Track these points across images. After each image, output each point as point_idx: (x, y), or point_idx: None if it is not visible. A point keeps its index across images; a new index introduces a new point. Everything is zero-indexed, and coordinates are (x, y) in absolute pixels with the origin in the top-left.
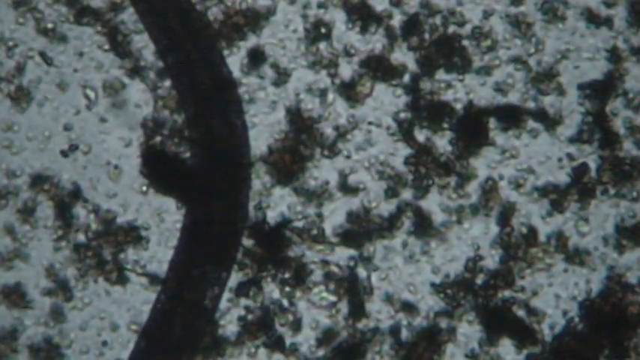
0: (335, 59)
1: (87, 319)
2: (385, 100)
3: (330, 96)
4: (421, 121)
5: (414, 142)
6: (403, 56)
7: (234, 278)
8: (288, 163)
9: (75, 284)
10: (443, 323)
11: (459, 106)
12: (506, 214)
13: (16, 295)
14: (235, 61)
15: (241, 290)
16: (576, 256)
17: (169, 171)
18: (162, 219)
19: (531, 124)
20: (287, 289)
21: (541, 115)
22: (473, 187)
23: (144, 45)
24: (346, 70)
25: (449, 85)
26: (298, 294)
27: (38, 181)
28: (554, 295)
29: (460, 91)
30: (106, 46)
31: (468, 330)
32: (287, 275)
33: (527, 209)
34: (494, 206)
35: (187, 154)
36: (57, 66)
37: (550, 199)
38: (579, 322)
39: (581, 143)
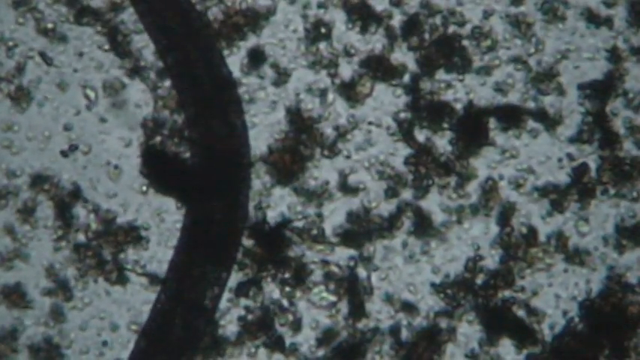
0: (335, 59)
1: (87, 319)
2: (385, 100)
3: (330, 96)
4: (421, 121)
5: (414, 142)
6: (403, 56)
7: (234, 278)
8: (288, 163)
9: (75, 284)
10: (443, 323)
11: (459, 106)
12: (506, 214)
13: (16, 295)
14: (235, 61)
15: (241, 290)
16: (576, 256)
17: (169, 171)
18: (163, 219)
19: (531, 124)
20: (287, 289)
21: (541, 115)
22: (473, 187)
23: (144, 45)
24: (346, 70)
25: (449, 85)
26: (298, 294)
27: (38, 181)
28: (554, 295)
29: (460, 91)
30: (106, 46)
31: (468, 330)
32: (287, 275)
33: (527, 209)
34: (494, 206)
35: (187, 154)
36: (57, 66)
37: (550, 199)
38: (579, 322)
39: (581, 143)
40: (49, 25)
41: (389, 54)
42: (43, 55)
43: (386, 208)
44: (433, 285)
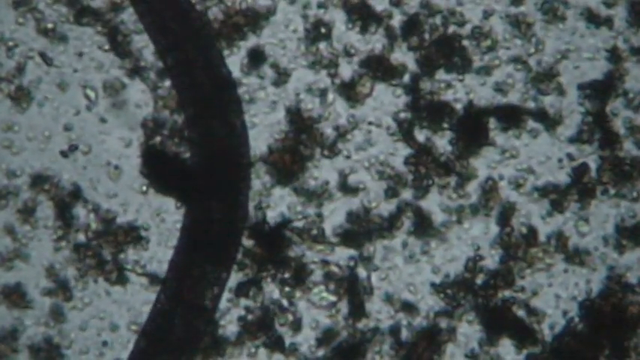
0: (335, 59)
1: (87, 319)
2: (385, 100)
3: (330, 96)
4: (421, 121)
5: (414, 142)
6: (403, 56)
7: (234, 278)
8: (288, 163)
9: (75, 284)
10: (443, 323)
11: (459, 106)
12: (506, 214)
13: (16, 295)
14: (235, 61)
15: (241, 290)
16: (576, 256)
17: (169, 171)
18: (162, 219)
19: (531, 124)
20: (287, 289)
21: (541, 115)
22: (473, 187)
23: (144, 45)
24: (346, 70)
25: (449, 85)
26: (298, 294)
27: (38, 181)
28: (554, 295)
29: (460, 91)
30: (106, 47)
31: (468, 330)
32: (287, 275)
33: (527, 209)
34: (494, 206)
35: (187, 154)
36: (57, 66)
37: (550, 199)
38: (579, 322)
39: (581, 143)
40: (49, 25)
41: (389, 54)
42: (43, 55)
43: (386, 208)
44: (433, 285)
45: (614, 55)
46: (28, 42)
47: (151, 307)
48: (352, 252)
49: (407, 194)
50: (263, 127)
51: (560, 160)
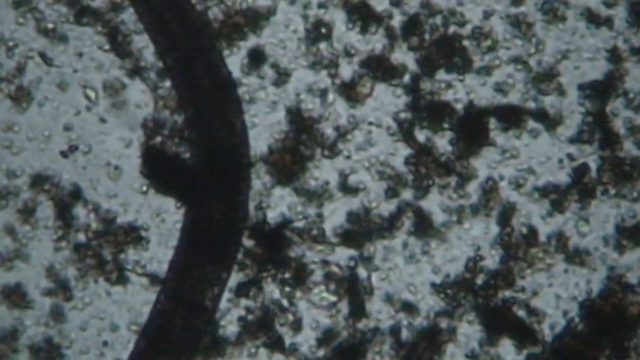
0: (335, 59)
1: (87, 320)
2: (385, 100)
3: (331, 96)
4: (421, 121)
5: (414, 142)
6: (403, 56)
7: (235, 278)
8: (288, 163)
9: (75, 284)
10: (443, 323)
11: (459, 106)
12: (506, 215)
13: (16, 296)
14: (236, 61)
15: (241, 290)
16: (576, 257)
17: (169, 171)
18: (163, 219)
19: (532, 124)
20: (287, 289)
21: (541, 116)
22: (473, 187)
23: (144, 45)
24: (346, 71)
25: (449, 85)
26: (298, 294)
27: (38, 181)
28: (555, 296)
29: (460, 91)
30: (106, 47)
31: (469, 330)
32: (287, 275)
33: (527, 209)
34: (494, 206)
35: (187, 154)
36: (57, 66)
37: (550, 199)
38: (580, 322)
39: (582, 143)
40: (50, 26)
41: (389, 54)
42: (43, 55)
43: (386, 208)
44: (433, 285)
45: (614, 55)
46: (28, 42)
47: (151, 308)
48: (352, 252)
49: (407, 194)
50: (263, 127)
51: (560, 161)
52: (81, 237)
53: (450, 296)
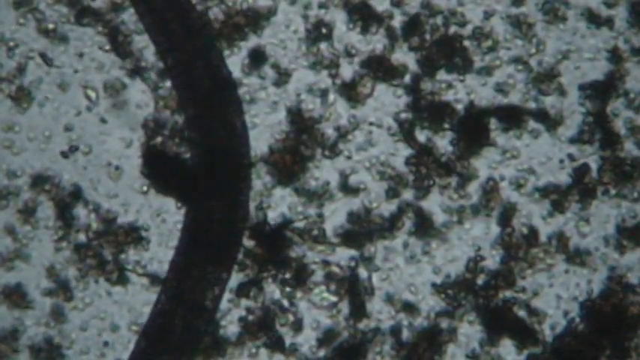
0: (336, 59)
1: (87, 320)
2: (386, 101)
3: (331, 96)
4: (422, 121)
5: (414, 142)
6: (404, 56)
7: (235, 279)
8: (289, 164)
9: (75, 285)
10: (444, 323)
11: (459, 107)
12: (507, 215)
13: (16, 296)
14: (236, 61)
15: (242, 291)
16: (577, 257)
17: (170, 171)
18: (163, 219)
19: (532, 124)
20: (288, 289)
21: (542, 116)
22: (474, 188)
23: (145, 45)
24: (347, 71)
25: (450, 86)
26: (299, 294)
27: (39, 181)
28: (555, 296)
29: (461, 91)
30: (107, 47)
31: (469, 330)
32: (288, 276)
33: (528, 209)
34: (495, 206)
35: (188, 155)
36: (58, 66)
37: (551, 199)
38: (580, 322)
39: (582, 144)
40: (50, 26)
41: (390, 54)
42: (43, 55)
43: (387, 208)
44: (434, 285)
45: (614, 55)
46: (29, 42)
47: (151, 308)
48: (353, 252)
49: (408, 194)
50: (264, 128)
51: (561, 161)
52: (81, 237)
53: (451, 296)
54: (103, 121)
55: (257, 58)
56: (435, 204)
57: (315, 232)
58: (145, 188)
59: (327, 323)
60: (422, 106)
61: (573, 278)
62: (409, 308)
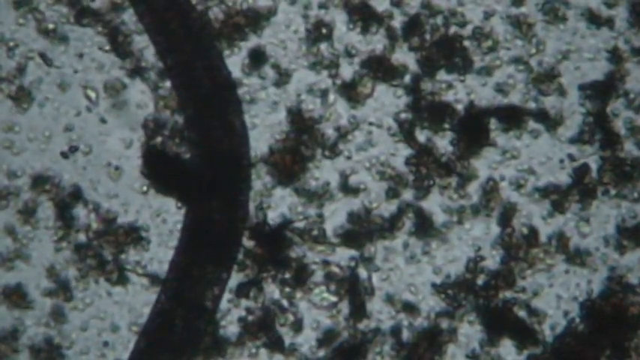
0: (336, 60)
1: (87, 320)
2: (386, 101)
3: (331, 96)
4: (422, 121)
5: (414, 142)
6: (404, 57)
7: (235, 279)
8: (289, 164)
9: (76, 285)
10: (444, 324)
11: (459, 107)
12: (507, 215)
13: (16, 296)
14: (236, 61)
15: (242, 291)
16: (577, 257)
17: (170, 171)
18: (163, 219)
19: (532, 124)
20: (287, 289)
21: (542, 116)
22: (474, 188)
23: (145, 45)
24: (347, 71)
25: (450, 86)
26: (299, 294)
27: (39, 181)
28: (555, 296)
29: (461, 91)
30: (107, 47)
31: (469, 330)
32: (287, 276)
33: (528, 210)
34: (495, 207)
35: (188, 155)
36: (58, 67)
37: (551, 199)
38: (580, 322)
39: (582, 144)
40: (50, 26)
41: (390, 54)
42: (43, 55)
43: (387, 208)
44: (434, 285)
45: (614, 55)
46: (29, 42)
47: (151, 308)
48: (353, 252)
49: (408, 195)
50: (264, 128)
51: (561, 161)
52: (81, 237)
53: (451, 297)
54: (103, 121)
55: (257, 58)
56: (435, 204)
57: (315, 232)
58: (145, 188)
59: (327, 323)
60: (422, 107)
61: (573, 278)
62: (409, 308)
